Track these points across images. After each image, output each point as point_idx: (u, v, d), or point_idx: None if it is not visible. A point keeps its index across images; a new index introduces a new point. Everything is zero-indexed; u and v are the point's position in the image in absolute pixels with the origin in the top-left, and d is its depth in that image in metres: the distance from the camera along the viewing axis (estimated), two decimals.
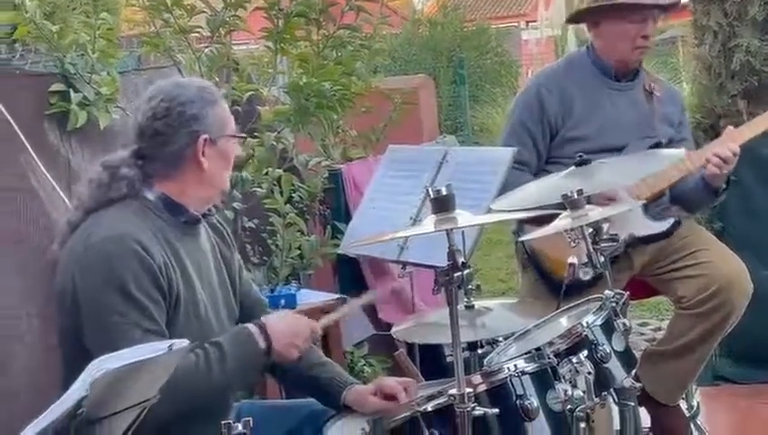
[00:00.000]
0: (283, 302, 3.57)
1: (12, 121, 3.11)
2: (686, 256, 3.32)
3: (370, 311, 4.18)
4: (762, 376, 4.26)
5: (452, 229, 2.06)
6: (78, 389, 1.34)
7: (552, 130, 3.39)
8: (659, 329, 4.67)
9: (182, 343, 1.58)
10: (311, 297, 3.74)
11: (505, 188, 3.13)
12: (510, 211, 2.75)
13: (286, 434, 2.49)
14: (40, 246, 3.02)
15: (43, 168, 3.20)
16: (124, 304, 2.19)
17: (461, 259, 2.06)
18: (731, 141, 3.17)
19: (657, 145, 3.33)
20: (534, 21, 18.81)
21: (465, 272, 2.05)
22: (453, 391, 2.01)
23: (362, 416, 2.42)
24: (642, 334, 4.94)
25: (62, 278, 2.31)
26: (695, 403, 3.53)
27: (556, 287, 3.07)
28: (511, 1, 18.27)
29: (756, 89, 4.32)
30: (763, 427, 4.02)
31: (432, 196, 2.06)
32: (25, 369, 3.10)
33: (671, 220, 3.27)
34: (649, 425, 3.38)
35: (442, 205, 2.04)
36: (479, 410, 2.01)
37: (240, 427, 1.77)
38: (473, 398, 2.03)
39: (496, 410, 2.05)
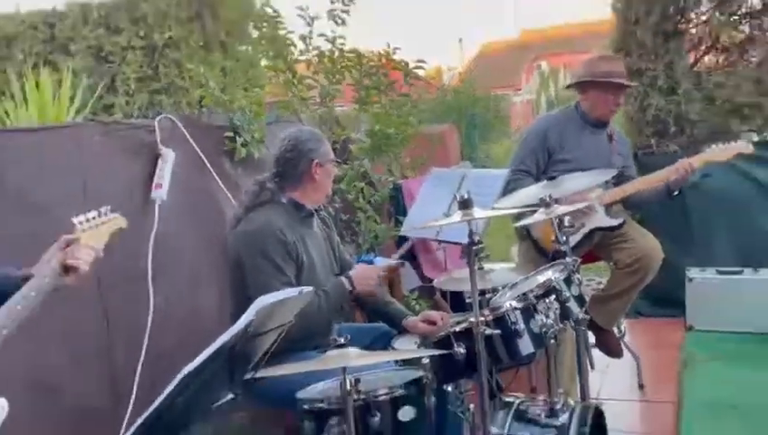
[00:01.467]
0: (365, 263, 3.69)
1: (202, 156, 3.60)
2: (620, 235, 3.74)
3: (419, 271, 4.54)
4: (666, 312, 4.96)
5: (471, 220, 2.36)
6: (247, 316, 1.51)
7: (549, 153, 3.79)
8: (600, 283, 5.03)
9: (308, 289, 1.92)
10: (383, 261, 3.89)
11: (512, 188, 3.50)
12: (506, 209, 3.06)
13: (367, 345, 2.73)
14: (220, 232, 3.36)
15: (221, 184, 3.66)
16: (270, 267, 2.60)
17: (477, 238, 2.39)
18: (695, 161, 3.55)
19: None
20: (520, 89, 20.62)
21: (479, 247, 2.39)
22: (471, 319, 2.31)
23: (414, 335, 2.86)
24: (589, 286, 5.13)
25: (232, 252, 2.74)
26: (623, 329, 4.03)
27: (542, 253, 3.60)
28: (505, 76, 20.30)
29: (662, 132, 4.98)
30: (665, 343, 4.64)
31: (459, 199, 2.37)
32: (212, 306, 3.49)
33: (621, 218, 3.69)
34: (594, 342, 3.81)
35: (465, 205, 2.35)
36: (488, 331, 2.33)
37: (342, 339, 2.06)
38: (484, 323, 2.33)
39: (499, 331, 2.37)
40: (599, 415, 2.69)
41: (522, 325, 2.42)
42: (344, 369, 2.00)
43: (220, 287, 3.38)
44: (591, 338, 3.68)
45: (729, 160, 3.72)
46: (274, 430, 2.90)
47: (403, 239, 4.51)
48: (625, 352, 4.08)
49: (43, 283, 1.82)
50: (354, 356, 2.06)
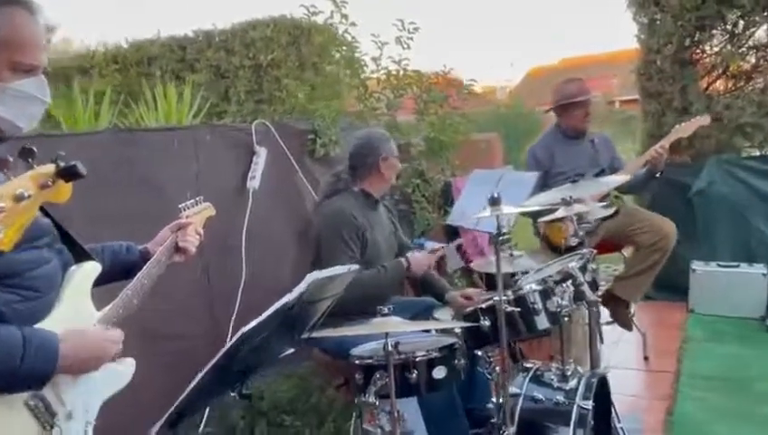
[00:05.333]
0: (417, 245, 3.64)
1: (288, 154, 3.61)
2: (639, 223, 3.66)
3: (462, 253, 4.46)
4: (671, 297, 4.76)
5: (498, 215, 2.28)
6: (300, 287, 1.46)
7: (545, 169, 3.71)
8: (616, 270, 4.82)
9: (355, 267, 1.80)
10: (432, 245, 3.67)
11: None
12: (530, 207, 2.95)
13: (416, 314, 2.77)
14: (300, 215, 3.52)
15: (303, 177, 3.68)
16: (340, 244, 2.59)
17: (503, 230, 2.32)
18: (664, 141, 3.51)
19: (602, 171, 3.66)
20: None
21: (504, 237, 2.33)
22: (496, 297, 2.26)
23: (453, 307, 2.79)
24: (606, 272, 5.04)
25: (314, 233, 2.74)
26: (632, 310, 3.89)
27: (554, 249, 3.45)
28: (548, 94, 19.60)
29: (675, 146, 4.37)
30: (668, 323, 4.53)
31: (489, 198, 2.30)
32: (290, 274, 3.45)
33: (614, 208, 3.40)
34: (609, 317, 3.79)
35: (494, 202, 2.27)
36: (509, 309, 2.26)
37: (386, 310, 1.99)
38: (506, 302, 2.26)
39: (518, 309, 2.31)
40: (604, 383, 2.57)
41: (539, 305, 2.36)
42: (387, 334, 1.96)
43: (299, 259, 3.39)
44: (604, 316, 3.62)
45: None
46: (334, 376, 2.85)
47: (452, 228, 4.36)
48: (633, 328, 3.95)
49: (162, 261, 1.78)
50: (395, 324, 2.02)
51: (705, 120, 3.58)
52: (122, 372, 1.60)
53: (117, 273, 1.73)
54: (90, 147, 2.59)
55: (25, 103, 1.42)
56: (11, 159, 1.42)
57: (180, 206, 1.95)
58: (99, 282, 1.64)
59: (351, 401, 2.27)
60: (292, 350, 1.73)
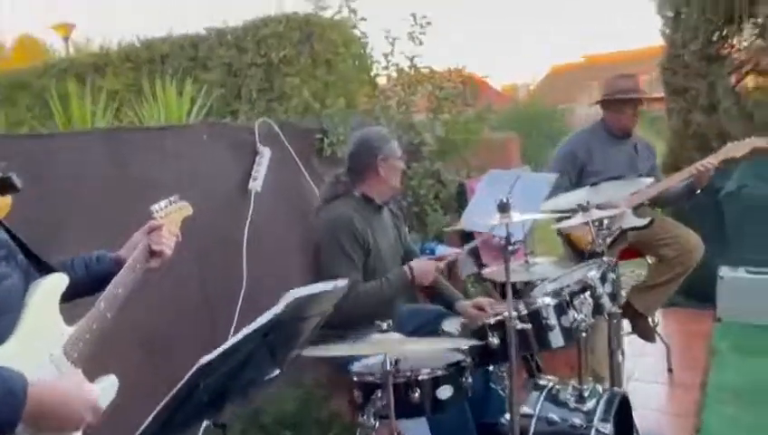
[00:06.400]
0: (428, 251, 3.85)
1: (293, 154, 3.46)
2: (665, 234, 3.47)
3: (476, 257, 4.16)
4: (697, 304, 4.56)
5: (508, 223, 2.10)
6: (276, 309, 1.32)
7: (580, 167, 3.50)
8: (641, 274, 4.64)
9: (342, 282, 1.56)
10: (444, 250, 3.85)
11: (549, 197, 3.05)
12: (543, 213, 2.76)
13: (424, 323, 2.64)
14: (306, 219, 3.20)
15: (308, 178, 3.51)
16: (340, 251, 2.46)
17: (514, 239, 2.14)
18: (713, 159, 3.23)
19: (640, 176, 3.36)
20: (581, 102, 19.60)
21: (514, 247, 2.19)
22: (505, 313, 2.05)
23: (464, 318, 2.59)
24: (631, 277, 4.92)
25: (316, 236, 2.59)
26: (657, 319, 3.71)
27: (578, 253, 3.24)
28: (570, 92, 19.05)
29: (703, 146, 4.44)
30: (694, 332, 4.31)
31: (498, 203, 2.13)
32: (295, 280, 3.28)
33: (648, 219, 3.28)
34: (630, 328, 3.57)
35: (503, 208, 2.10)
36: (520, 326, 2.06)
37: (384, 325, 1.81)
38: (517, 318, 2.06)
39: (529, 326, 2.10)
40: (624, 402, 2.37)
41: (553, 320, 2.16)
42: (385, 354, 1.80)
43: (303, 264, 3.19)
44: (626, 327, 3.46)
45: (746, 157, 3.29)
46: (338, 389, 2.65)
47: (467, 232, 4.10)
48: (657, 339, 3.74)
49: (136, 267, 1.65)
50: (394, 342, 1.84)
51: (761, 141, 3.26)
52: (103, 392, 1.46)
53: (90, 285, 1.61)
54: (79, 148, 2.45)
55: None
56: None
57: (152, 207, 1.80)
58: (72, 296, 1.53)
59: (356, 409, 2.08)
60: (277, 372, 1.55)
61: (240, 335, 1.23)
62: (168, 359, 2.63)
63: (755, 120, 4.60)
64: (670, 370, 3.78)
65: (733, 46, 4.80)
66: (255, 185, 3.15)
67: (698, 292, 4.47)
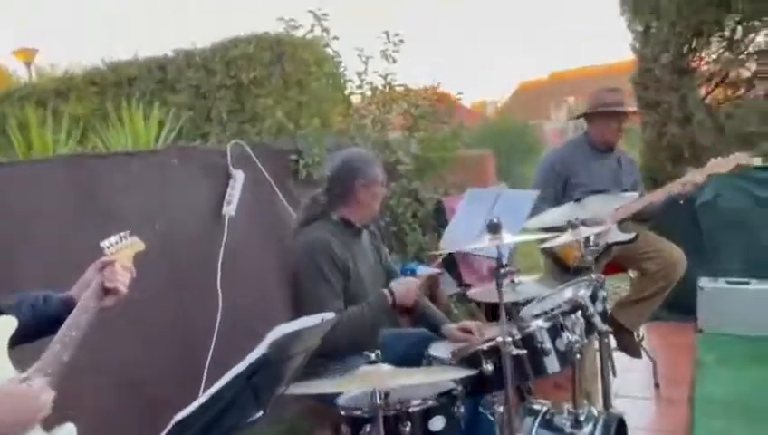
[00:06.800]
0: (408, 271, 3.73)
1: (267, 176, 3.37)
2: (648, 248, 3.42)
3: (458, 277, 4.09)
4: (678, 317, 4.46)
5: (498, 245, 2.01)
6: (260, 350, 1.25)
7: (562, 180, 3.43)
8: (619, 287, 4.71)
9: (330, 315, 1.53)
10: (424, 270, 3.91)
11: (536, 213, 3.07)
12: (534, 232, 2.74)
13: (409, 346, 2.53)
14: (283, 243, 2.98)
15: (284, 201, 3.41)
16: (320, 279, 2.33)
17: (504, 262, 2.04)
18: (698, 175, 3.19)
19: (624, 190, 3.36)
20: (550, 118, 19.95)
21: (507, 269, 2.05)
22: (499, 338, 1.96)
23: (451, 342, 2.47)
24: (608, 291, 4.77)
25: (293, 262, 2.46)
26: (642, 333, 3.66)
27: (564, 268, 3.20)
28: (538, 109, 19.58)
29: (677, 157, 4.53)
30: (677, 345, 4.25)
31: (487, 223, 2.03)
32: (275, 305, 3.03)
33: (633, 234, 3.28)
34: (615, 345, 3.46)
35: (493, 229, 2.00)
36: (515, 352, 1.98)
37: (372, 356, 1.74)
38: (511, 343, 1.98)
39: (525, 351, 2.02)
40: (621, 425, 2.29)
41: (548, 344, 2.06)
42: (374, 389, 1.69)
43: (281, 289, 2.99)
44: (613, 343, 3.35)
45: (730, 172, 3.29)
46: (322, 421, 2.53)
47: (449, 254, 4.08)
48: (642, 354, 3.67)
49: (89, 306, 1.54)
50: (384, 375, 1.71)
51: (745, 158, 3.23)
52: None
53: (37, 328, 1.52)
54: (38, 177, 2.30)
55: None
56: None
57: (102, 244, 1.70)
58: (21, 340, 1.43)
59: None
60: (260, 413, 1.42)
61: (221, 382, 1.13)
62: (144, 390, 2.60)
63: (726, 131, 4.67)
64: (657, 385, 3.72)
65: (702, 59, 4.86)
66: (229, 209, 3.06)
67: (678, 303, 4.34)
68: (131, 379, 2.57)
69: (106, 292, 1.59)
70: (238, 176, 3.12)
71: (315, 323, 1.40)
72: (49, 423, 1.37)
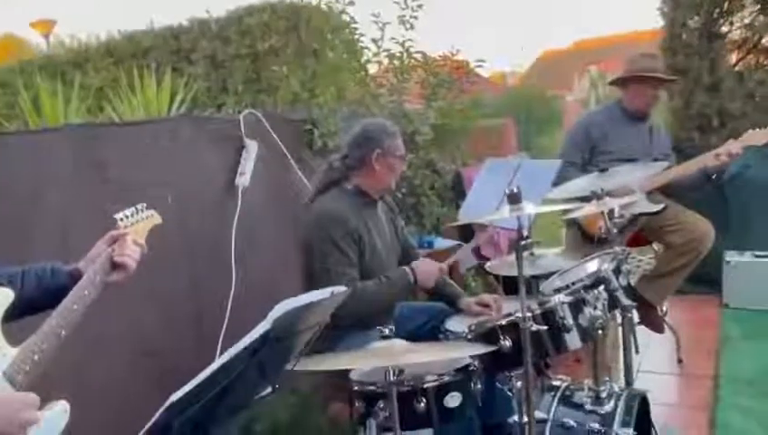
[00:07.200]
0: (425, 244, 3.72)
1: (282, 146, 3.25)
2: (674, 220, 3.31)
3: (476, 250, 3.85)
4: (703, 290, 4.33)
5: (519, 216, 1.91)
6: (263, 325, 1.21)
7: (592, 146, 3.35)
8: (641, 260, 4.58)
9: (341, 289, 1.46)
10: (442, 243, 3.85)
11: (561, 178, 3.03)
12: (557, 203, 2.61)
13: (426, 322, 2.53)
14: (298, 215, 2.84)
15: (299, 172, 3.31)
16: (334, 250, 2.29)
17: (525, 233, 1.95)
18: (735, 146, 3.05)
19: (655, 160, 3.26)
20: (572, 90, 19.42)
21: (527, 241, 1.95)
22: (518, 314, 1.88)
23: (468, 316, 2.44)
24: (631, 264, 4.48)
25: (304, 231, 2.43)
26: (665, 308, 3.51)
27: (588, 238, 3.13)
28: (560, 79, 19.07)
29: (705, 126, 4.38)
30: (701, 320, 4.20)
31: (507, 193, 1.94)
32: (290, 278, 2.92)
33: (662, 205, 3.16)
34: (638, 320, 3.33)
35: (513, 199, 1.92)
36: (535, 327, 1.90)
37: (386, 330, 1.72)
38: (531, 318, 1.89)
39: (545, 327, 1.93)
40: (644, 402, 2.22)
41: (570, 320, 1.97)
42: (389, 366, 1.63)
43: (296, 261, 2.87)
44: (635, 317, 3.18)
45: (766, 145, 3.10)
46: (336, 393, 2.46)
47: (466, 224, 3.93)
48: (665, 329, 3.57)
49: (96, 280, 1.49)
50: (398, 351, 1.65)
51: None
52: (52, 420, 1.30)
53: (41, 301, 1.46)
54: (48, 147, 2.25)
55: None
56: None
57: (116, 216, 1.64)
58: (21, 313, 1.38)
59: (356, 421, 1.94)
60: (269, 390, 1.38)
61: (221, 360, 1.07)
62: (158, 363, 2.54)
63: (757, 99, 4.46)
64: (680, 360, 3.63)
65: (733, 23, 4.65)
66: (243, 180, 2.96)
67: (703, 278, 4.21)
68: (145, 349, 2.54)
69: (114, 266, 1.54)
70: (252, 146, 3.02)
71: (324, 297, 1.33)
72: (42, 399, 1.31)
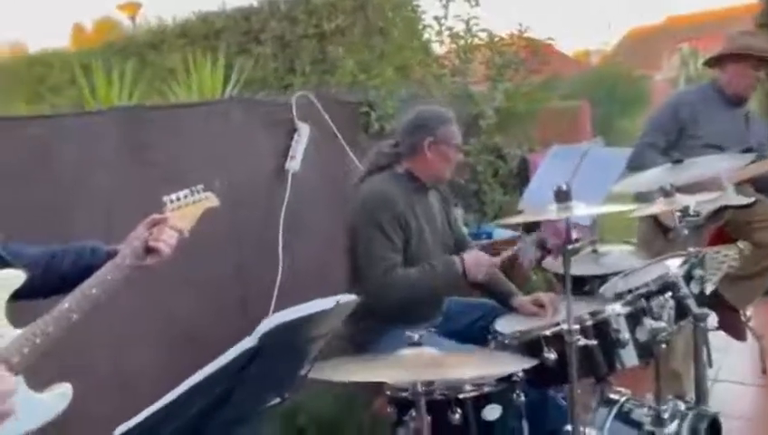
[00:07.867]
0: (484, 235, 3.54)
1: (335, 130, 3.15)
2: (759, 214, 3.02)
3: (540, 242, 3.94)
4: None
5: (568, 217, 1.76)
6: (249, 341, 1.15)
7: (679, 128, 3.05)
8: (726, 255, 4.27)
9: (349, 297, 1.34)
10: (502, 234, 3.61)
11: (636, 163, 2.87)
12: (612, 203, 2.49)
13: (475, 320, 2.39)
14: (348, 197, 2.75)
15: (353, 156, 3.17)
16: (379, 234, 2.19)
17: (573, 236, 1.78)
18: None
19: (749, 150, 2.94)
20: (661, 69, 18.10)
21: (576, 246, 1.78)
22: (565, 326, 1.69)
23: (521, 316, 2.29)
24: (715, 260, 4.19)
25: (351, 213, 2.34)
26: (749, 313, 3.25)
27: (663, 228, 2.87)
28: (649, 58, 17.85)
29: None
30: None
31: (555, 190, 1.78)
32: (339, 266, 2.82)
33: (753, 198, 2.91)
34: (717, 323, 3.09)
35: (561, 196, 1.76)
36: (583, 342, 1.71)
37: (416, 336, 1.52)
38: (579, 331, 1.70)
39: (595, 342, 1.75)
40: (713, 424, 1.96)
41: (625, 334, 1.76)
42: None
43: (346, 250, 2.94)
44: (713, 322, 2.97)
45: None
46: (380, 391, 2.38)
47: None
48: (748, 336, 3.22)
49: (123, 265, 1.45)
50: (425, 362, 1.48)
51: None
52: (48, 402, 1.29)
53: (79, 278, 1.42)
54: (95, 130, 2.23)
55: None
56: None
57: (165, 198, 1.58)
58: (58, 290, 1.40)
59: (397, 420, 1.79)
60: (277, 400, 1.28)
61: (187, 384, 1.03)
62: (200, 349, 2.48)
63: None
64: (764, 370, 3.28)
65: None
66: (293, 165, 2.89)
67: None
68: (188, 335, 2.51)
69: (148, 251, 1.50)
70: (303, 129, 2.94)
71: (328, 307, 1.21)
72: (46, 381, 1.29)
